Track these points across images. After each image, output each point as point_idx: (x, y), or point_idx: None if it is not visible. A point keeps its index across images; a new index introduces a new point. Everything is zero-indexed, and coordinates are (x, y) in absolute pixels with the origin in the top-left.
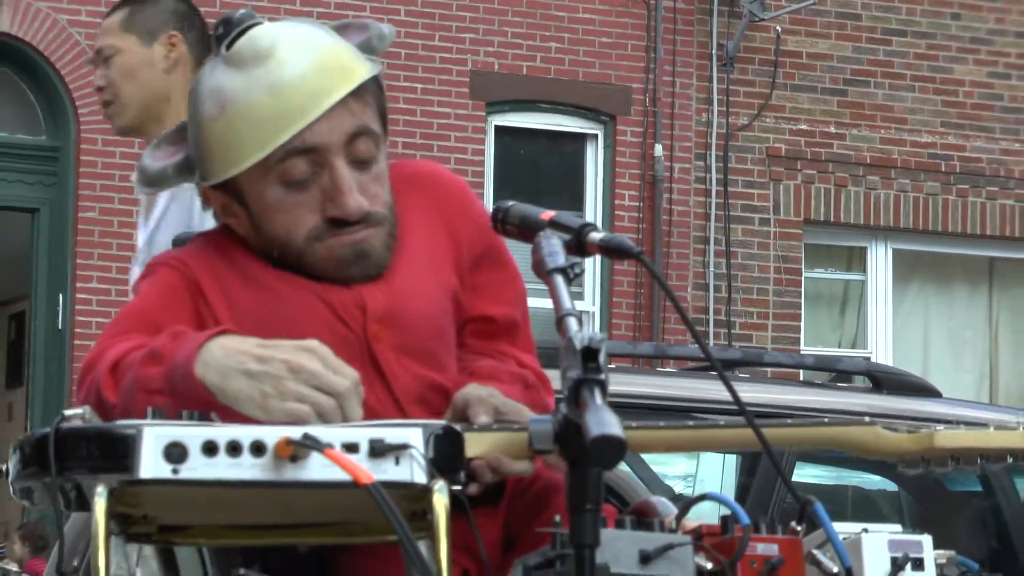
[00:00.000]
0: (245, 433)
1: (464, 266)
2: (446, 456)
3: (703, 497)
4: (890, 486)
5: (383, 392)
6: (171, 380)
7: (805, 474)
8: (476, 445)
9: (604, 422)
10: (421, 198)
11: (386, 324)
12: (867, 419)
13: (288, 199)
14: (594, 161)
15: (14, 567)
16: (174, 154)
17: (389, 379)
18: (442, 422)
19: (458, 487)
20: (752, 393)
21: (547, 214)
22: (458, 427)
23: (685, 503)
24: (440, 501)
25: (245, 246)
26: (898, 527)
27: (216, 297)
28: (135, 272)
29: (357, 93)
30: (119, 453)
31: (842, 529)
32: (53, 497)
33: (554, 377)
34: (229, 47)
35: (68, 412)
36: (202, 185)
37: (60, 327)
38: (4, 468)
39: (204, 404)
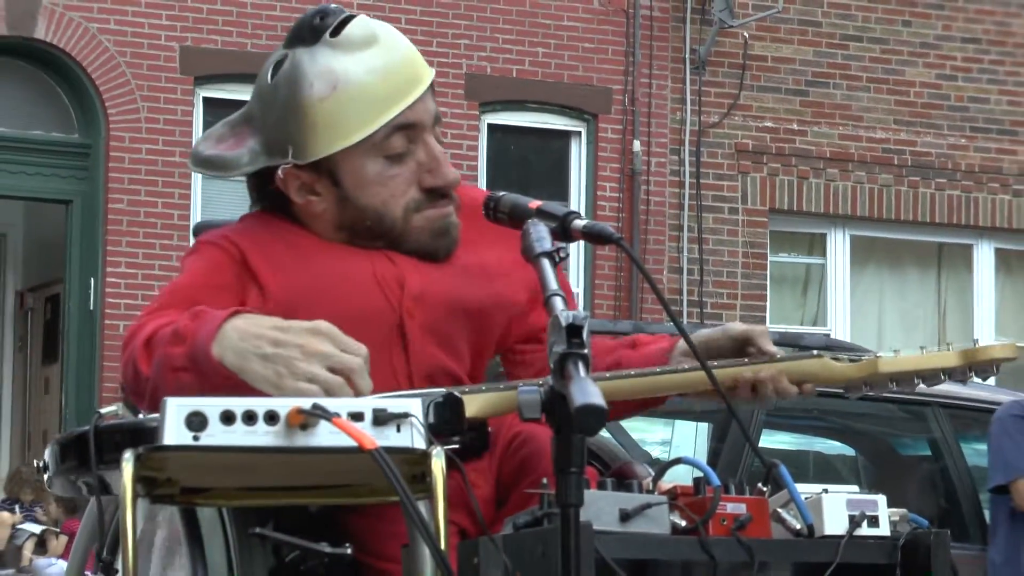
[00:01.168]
0: (260, 403)
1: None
2: (447, 420)
3: (678, 461)
4: (848, 451)
5: (401, 362)
6: (194, 359)
7: (771, 440)
8: (469, 405)
9: (587, 392)
10: (478, 220)
11: (419, 303)
12: (815, 351)
13: (387, 172)
14: (578, 156)
15: (54, 528)
16: (239, 143)
17: (410, 352)
18: (442, 390)
19: (454, 446)
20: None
21: (535, 203)
22: (455, 391)
23: (661, 466)
24: (438, 465)
25: (294, 223)
26: (855, 488)
27: (263, 268)
28: None
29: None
30: (149, 442)
31: (804, 490)
32: (95, 486)
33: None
34: (335, 34)
35: (103, 410)
36: (289, 164)
37: (92, 308)
38: (40, 464)
39: (224, 380)
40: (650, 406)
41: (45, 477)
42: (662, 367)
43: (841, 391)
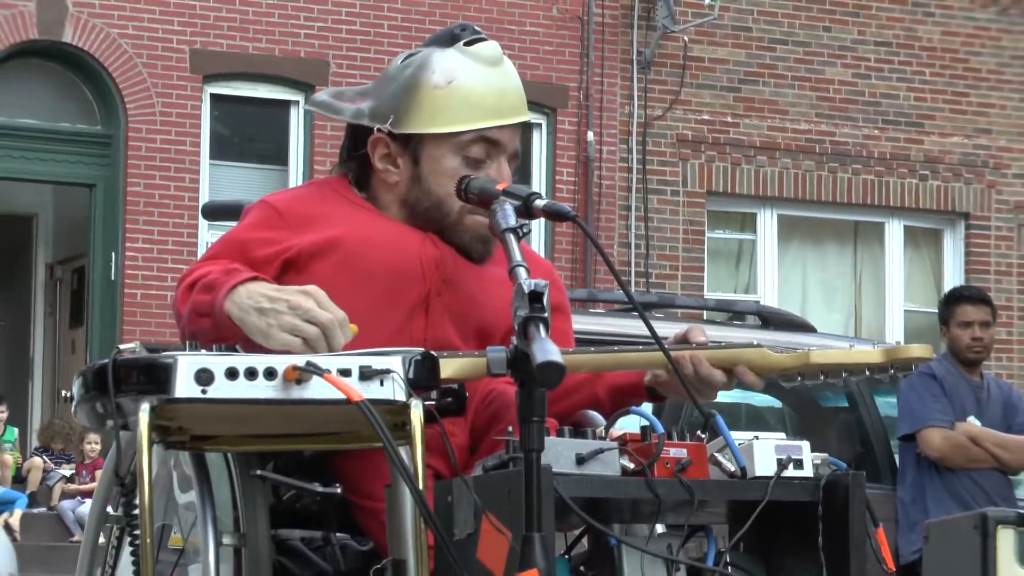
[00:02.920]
0: (260, 361)
1: None
2: (424, 376)
3: (627, 411)
4: (776, 403)
5: (420, 328)
6: (212, 309)
7: None
8: (445, 368)
9: (547, 351)
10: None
11: (446, 286)
12: (755, 342)
13: (460, 171)
14: (539, 145)
15: (67, 472)
16: (352, 102)
17: (428, 323)
18: (420, 349)
19: (431, 402)
20: (665, 329)
21: (501, 185)
22: (434, 353)
23: (612, 416)
24: (416, 415)
25: (360, 194)
26: (782, 435)
27: (314, 225)
28: None
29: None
30: (161, 378)
31: (738, 437)
32: (113, 413)
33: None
34: (468, 44)
35: (122, 347)
36: (384, 130)
37: (112, 279)
38: (67, 395)
39: (231, 330)
40: (624, 405)
41: (72, 406)
42: (619, 347)
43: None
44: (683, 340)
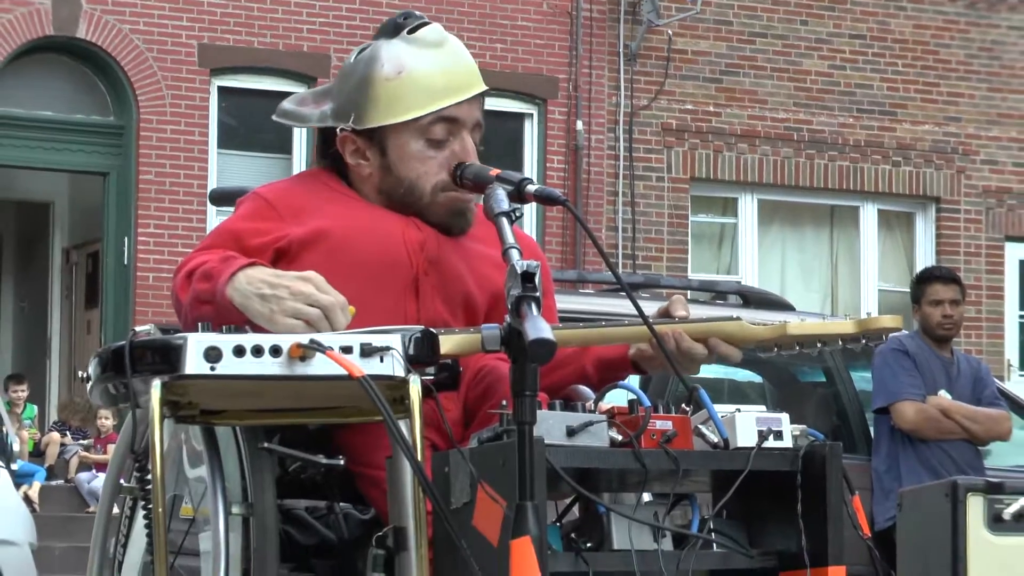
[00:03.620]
0: (266, 339)
1: None
2: (423, 352)
3: (614, 386)
4: (756, 378)
5: (412, 309)
6: (214, 295)
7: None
8: (441, 345)
9: (539, 328)
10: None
11: (433, 266)
12: (735, 315)
13: (425, 153)
14: (531, 133)
15: (97, 446)
16: (316, 106)
17: (419, 303)
18: (420, 327)
19: (429, 377)
20: (651, 309)
21: (494, 171)
22: (433, 329)
23: (601, 390)
24: (414, 390)
25: (344, 183)
26: (763, 408)
27: (303, 216)
28: None
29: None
30: (173, 359)
31: (720, 410)
32: (129, 392)
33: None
34: (412, 32)
35: (138, 328)
36: (348, 129)
37: (125, 263)
38: (84, 375)
39: (234, 315)
40: (611, 380)
41: (87, 386)
42: (607, 320)
43: (754, 349)
44: (665, 314)
